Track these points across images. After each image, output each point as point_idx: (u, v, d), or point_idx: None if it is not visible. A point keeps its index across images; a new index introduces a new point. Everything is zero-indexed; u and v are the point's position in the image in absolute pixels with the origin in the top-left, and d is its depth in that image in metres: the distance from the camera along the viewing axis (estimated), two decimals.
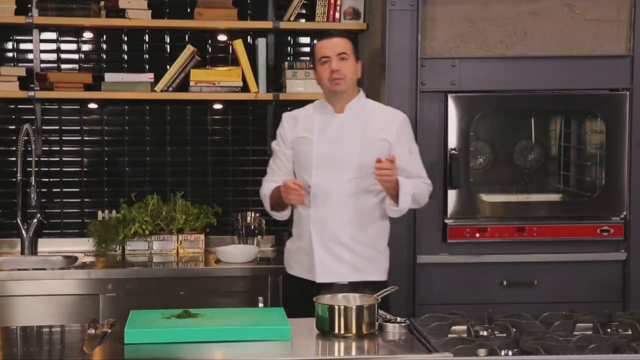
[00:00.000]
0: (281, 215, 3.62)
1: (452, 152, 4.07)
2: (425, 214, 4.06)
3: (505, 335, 2.83)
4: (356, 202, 3.47)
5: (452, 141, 4.08)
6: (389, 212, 3.47)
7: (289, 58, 4.62)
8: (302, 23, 4.57)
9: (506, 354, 2.64)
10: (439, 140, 4.09)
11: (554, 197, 4.37)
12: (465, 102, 4.09)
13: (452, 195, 4.09)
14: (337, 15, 4.44)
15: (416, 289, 4.04)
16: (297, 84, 4.43)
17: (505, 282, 4.14)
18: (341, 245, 3.47)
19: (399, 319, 2.88)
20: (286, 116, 3.68)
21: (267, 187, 3.61)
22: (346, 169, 3.46)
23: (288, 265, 3.66)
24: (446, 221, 4.10)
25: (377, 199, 3.50)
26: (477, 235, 4.11)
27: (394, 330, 2.84)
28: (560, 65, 4.10)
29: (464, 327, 2.87)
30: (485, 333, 2.82)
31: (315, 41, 3.58)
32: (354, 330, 2.78)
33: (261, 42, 4.48)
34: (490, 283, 4.13)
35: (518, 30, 4.10)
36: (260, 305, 3.94)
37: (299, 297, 3.37)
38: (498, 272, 4.14)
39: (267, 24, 4.44)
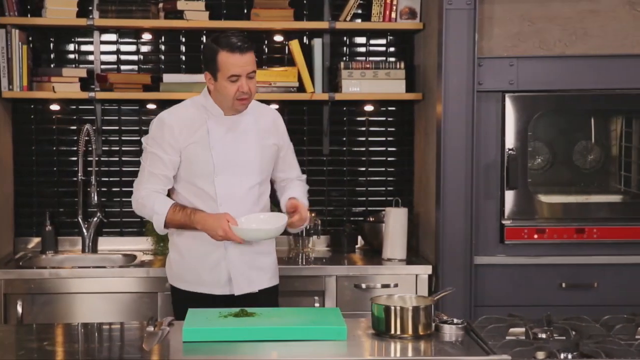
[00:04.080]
0: (164, 231, 3.35)
1: (509, 152, 4.03)
2: (482, 214, 4.04)
3: (564, 338, 2.79)
4: (259, 205, 3.40)
5: (510, 141, 4.04)
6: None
7: (344, 58, 4.62)
8: (358, 23, 4.56)
9: (565, 357, 2.61)
10: (496, 140, 4.05)
11: (615, 198, 4.29)
12: (523, 102, 4.04)
13: (509, 195, 4.05)
14: (393, 15, 4.43)
15: (473, 291, 4.01)
16: (353, 84, 4.43)
17: (564, 284, 4.09)
18: (256, 252, 3.38)
19: (455, 320, 2.86)
20: (174, 116, 3.35)
21: (158, 203, 3.29)
22: (249, 175, 3.34)
23: (181, 279, 3.41)
24: (503, 222, 4.06)
25: (267, 197, 3.48)
26: (535, 236, 4.06)
27: (451, 331, 2.82)
28: (621, 64, 4.03)
29: (522, 330, 2.84)
30: (544, 335, 2.79)
31: (223, 51, 3.21)
32: (410, 331, 2.77)
33: (317, 43, 4.50)
34: (548, 285, 4.08)
35: (577, 28, 4.05)
36: (316, 305, 3.98)
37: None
38: (557, 274, 4.09)
39: (323, 24, 4.44)
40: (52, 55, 4.56)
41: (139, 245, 4.48)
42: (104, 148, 4.59)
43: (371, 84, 4.43)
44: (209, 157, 3.30)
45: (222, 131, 3.33)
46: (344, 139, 4.69)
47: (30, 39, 4.46)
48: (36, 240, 4.53)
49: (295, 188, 3.50)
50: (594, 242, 4.07)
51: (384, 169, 4.70)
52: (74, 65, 4.55)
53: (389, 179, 4.71)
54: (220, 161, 3.31)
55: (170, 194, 3.41)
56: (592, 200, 4.19)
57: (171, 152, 3.32)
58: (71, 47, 4.58)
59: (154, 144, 3.35)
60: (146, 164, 3.35)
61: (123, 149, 4.61)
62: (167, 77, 4.44)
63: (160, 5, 4.42)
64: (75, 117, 4.58)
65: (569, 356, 2.61)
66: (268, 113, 3.51)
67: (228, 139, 3.34)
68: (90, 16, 4.39)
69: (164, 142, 3.32)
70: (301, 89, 4.44)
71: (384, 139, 4.70)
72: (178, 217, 3.29)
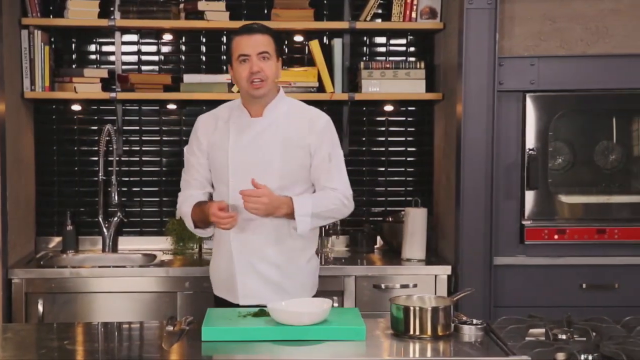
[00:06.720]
0: (205, 232, 3.37)
1: (530, 152, 4.01)
2: (502, 215, 4.02)
3: (585, 339, 2.77)
4: None
5: (530, 141, 4.02)
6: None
7: (364, 58, 4.62)
8: (378, 23, 4.56)
9: (586, 359, 2.59)
10: (516, 140, 4.04)
11: (636, 198, 4.25)
12: (544, 102, 4.02)
13: (529, 196, 4.03)
14: (413, 14, 4.42)
15: (493, 291, 3.99)
16: (373, 84, 4.42)
17: (584, 285, 4.06)
18: (265, 262, 3.26)
19: (475, 321, 2.85)
20: (203, 118, 3.40)
21: (186, 205, 3.33)
22: (267, 178, 3.19)
23: (213, 285, 3.44)
24: (524, 222, 4.05)
25: None
26: (556, 237, 4.04)
27: (470, 332, 2.81)
28: None
29: (542, 330, 2.82)
30: (564, 336, 2.77)
31: (235, 35, 3.24)
32: (429, 332, 2.76)
33: (337, 43, 4.49)
34: (568, 286, 4.06)
35: (599, 27, 4.02)
36: (335, 305, 3.98)
37: None
38: (577, 274, 4.06)
39: (343, 24, 4.44)
40: (73, 56, 4.59)
41: (159, 244, 4.50)
42: (124, 148, 4.61)
43: (391, 84, 4.42)
44: (225, 159, 3.27)
45: (244, 132, 3.27)
46: (364, 139, 4.69)
47: (52, 39, 4.50)
48: (57, 239, 4.57)
49: (309, 196, 3.27)
50: (615, 242, 4.05)
51: (403, 169, 4.69)
52: (95, 66, 4.58)
53: (408, 179, 4.70)
54: (236, 163, 3.25)
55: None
56: (613, 200, 4.16)
57: (199, 154, 3.35)
58: (92, 47, 4.60)
59: (189, 147, 3.41)
60: (183, 170, 3.43)
61: (143, 149, 4.64)
62: (188, 78, 4.46)
63: (181, 5, 4.44)
64: (96, 117, 4.61)
65: (590, 357, 2.60)
66: (306, 114, 3.33)
67: (248, 141, 3.26)
68: (112, 17, 4.41)
69: (193, 145, 3.38)
70: (321, 89, 4.44)
71: (403, 139, 4.69)
72: (197, 213, 3.29)
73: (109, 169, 4.50)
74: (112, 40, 4.56)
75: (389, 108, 4.65)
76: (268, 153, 3.24)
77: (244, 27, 3.27)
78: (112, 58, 4.58)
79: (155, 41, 4.62)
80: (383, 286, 4.07)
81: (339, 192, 3.31)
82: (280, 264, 3.29)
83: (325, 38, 4.61)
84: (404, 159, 4.70)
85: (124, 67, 4.58)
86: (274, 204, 3.17)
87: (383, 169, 4.69)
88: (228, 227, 3.19)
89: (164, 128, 4.64)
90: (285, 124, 3.27)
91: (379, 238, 4.56)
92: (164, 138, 4.64)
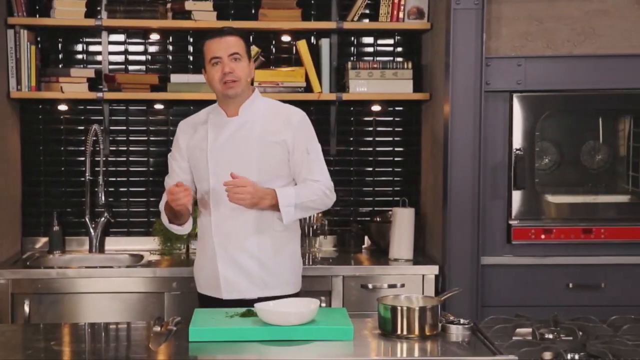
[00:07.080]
0: (182, 229, 3.43)
1: (517, 152, 4.03)
2: (489, 214, 4.03)
3: (571, 338, 2.78)
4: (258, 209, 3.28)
5: (517, 141, 4.04)
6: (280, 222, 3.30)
7: (352, 58, 4.62)
8: (366, 23, 4.56)
9: (572, 358, 2.60)
10: (503, 140, 4.05)
11: (622, 198, 4.28)
12: (531, 102, 4.04)
13: (516, 195, 4.05)
14: (400, 15, 4.42)
15: (480, 291, 4.00)
16: (361, 84, 4.42)
17: (571, 285, 4.08)
18: (247, 255, 3.30)
19: (462, 321, 2.86)
20: (183, 124, 3.49)
21: (162, 203, 3.44)
22: (245, 174, 3.23)
23: (197, 283, 3.48)
24: (510, 222, 4.06)
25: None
26: (543, 236, 4.05)
27: (458, 332, 2.82)
28: (629, 64, 4.02)
29: (529, 330, 2.84)
30: (550, 336, 2.78)
31: (206, 40, 3.33)
32: (416, 332, 2.77)
33: (325, 43, 4.49)
34: (555, 285, 4.07)
35: (586, 28, 4.04)
36: (323, 305, 3.98)
37: None
38: (564, 274, 4.08)
39: (331, 25, 4.44)
40: (60, 56, 4.57)
41: (146, 245, 4.49)
42: (111, 148, 4.60)
43: (378, 84, 4.43)
44: (205, 158, 3.33)
45: (221, 132, 3.34)
46: (351, 139, 4.69)
47: (38, 39, 4.47)
48: (43, 240, 4.55)
49: (292, 188, 3.32)
50: (602, 242, 4.06)
51: (391, 169, 4.70)
52: (82, 66, 4.56)
53: (395, 179, 4.71)
54: (215, 162, 3.31)
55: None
56: (599, 200, 4.18)
57: (179, 159, 3.44)
58: (79, 47, 4.59)
59: (171, 153, 3.49)
60: (167, 175, 3.51)
61: (130, 149, 4.62)
62: (175, 78, 4.45)
63: (168, 5, 4.43)
64: (83, 117, 4.59)
65: (576, 357, 2.61)
66: (281, 111, 3.40)
67: (225, 139, 3.33)
68: (99, 16, 4.40)
69: (174, 149, 3.48)
70: (308, 89, 4.44)
71: (391, 139, 4.70)
72: (168, 208, 3.34)
73: (96, 169, 4.48)
74: (99, 39, 4.54)
75: (376, 108, 4.66)
76: (245, 150, 3.31)
77: (214, 31, 3.35)
78: (99, 58, 4.56)
79: (142, 41, 4.60)
80: (370, 286, 4.07)
81: (321, 184, 3.35)
82: (261, 257, 3.32)
83: (312, 38, 4.61)
84: (391, 159, 4.70)
85: (111, 66, 4.57)
86: (259, 194, 3.22)
87: (370, 169, 4.69)
88: (180, 198, 3.17)
89: (151, 128, 4.62)
90: (261, 121, 3.34)
91: (366, 238, 4.57)
92: (151, 138, 4.63)
